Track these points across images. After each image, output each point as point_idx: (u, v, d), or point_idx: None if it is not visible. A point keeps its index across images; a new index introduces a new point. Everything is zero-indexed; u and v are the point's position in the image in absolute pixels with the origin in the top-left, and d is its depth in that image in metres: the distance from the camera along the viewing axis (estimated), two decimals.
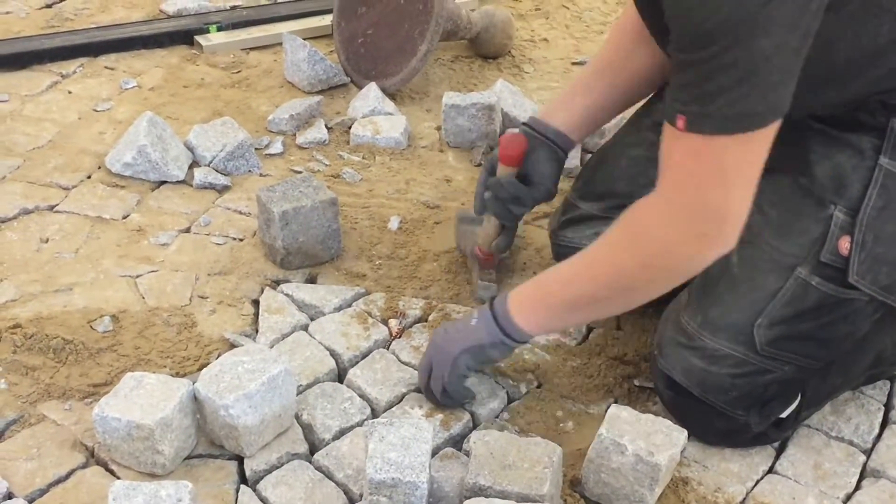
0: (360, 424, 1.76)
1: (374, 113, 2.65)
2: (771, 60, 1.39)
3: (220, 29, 3.02)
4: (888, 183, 1.65)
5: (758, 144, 1.46)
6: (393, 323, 1.98)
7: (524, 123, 2.02)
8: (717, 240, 1.53)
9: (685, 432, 1.65)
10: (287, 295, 2.04)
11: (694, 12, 1.39)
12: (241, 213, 2.30)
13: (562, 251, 2.06)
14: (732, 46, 1.38)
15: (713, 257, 1.55)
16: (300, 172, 2.42)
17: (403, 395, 1.83)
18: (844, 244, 1.65)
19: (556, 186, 2.01)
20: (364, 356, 1.91)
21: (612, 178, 2.01)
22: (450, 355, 1.73)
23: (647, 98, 2.09)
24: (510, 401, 1.85)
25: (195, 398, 1.66)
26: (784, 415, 1.75)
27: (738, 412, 1.71)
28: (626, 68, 1.97)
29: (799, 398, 1.76)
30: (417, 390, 1.84)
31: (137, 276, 2.07)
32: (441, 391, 1.76)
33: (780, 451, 1.80)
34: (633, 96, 2.03)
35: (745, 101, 1.41)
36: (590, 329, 2.04)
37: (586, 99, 1.99)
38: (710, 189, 1.49)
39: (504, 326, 1.71)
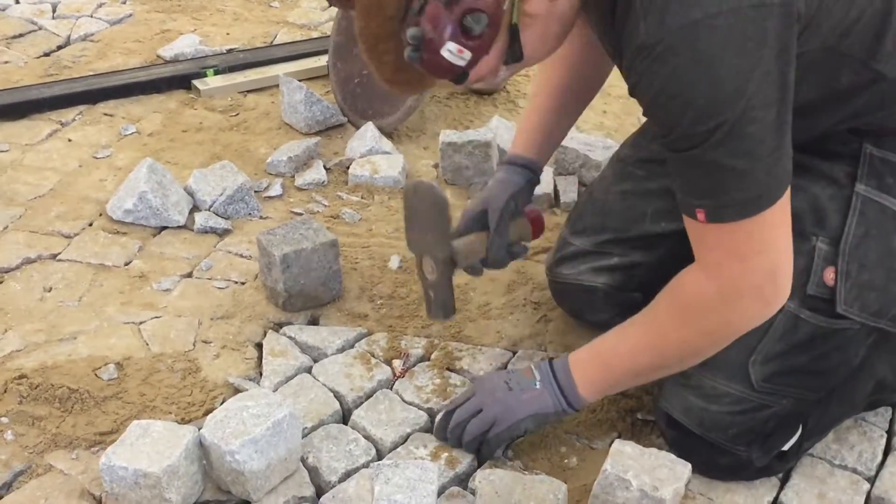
0: (365, 466, 1.76)
1: (371, 152, 2.67)
2: (765, 140, 1.43)
3: (216, 73, 3.05)
4: (866, 210, 1.67)
5: (781, 208, 1.50)
6: (396, 363, 1.99)
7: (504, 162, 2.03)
8: (776, 293, 1.57)
9: (689, 465, 1.66)
10: (290, 337, 2.05)
11: (675, 114, 1.43)
12: (242, 256, 2.31)
13: (558, 287, 2.09)
14: (724, 140, 1.41)
15: (776, 309, 1.59)
16: (300, 214, 2.44)
17: (408, 436, 1.83)
18: (829, 275, 1.67)
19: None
20: (368, 397, 1.92)
21: (603, 214, 2.03)
22: (515, 415, 1.75)
23: (631, 135, 2.12)
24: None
25: (201, 444, 1.66)
26: (786, 447, 1.76)
27: (739, 448, 1.72)
28: (581, 89, 2.03)
29: (800, 430, 1.76)
30: (424, 430, 1.84)
31: (141, 323, 2.09)
32: (480, 439, 1.76)
33: (784, 482, 1.80)
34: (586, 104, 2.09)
35: (754, 184, 1.46)
36: None
37: (551, 127, 2.04)
38: (752, 259, 1.52)
39: (569, 397, 1.74)
